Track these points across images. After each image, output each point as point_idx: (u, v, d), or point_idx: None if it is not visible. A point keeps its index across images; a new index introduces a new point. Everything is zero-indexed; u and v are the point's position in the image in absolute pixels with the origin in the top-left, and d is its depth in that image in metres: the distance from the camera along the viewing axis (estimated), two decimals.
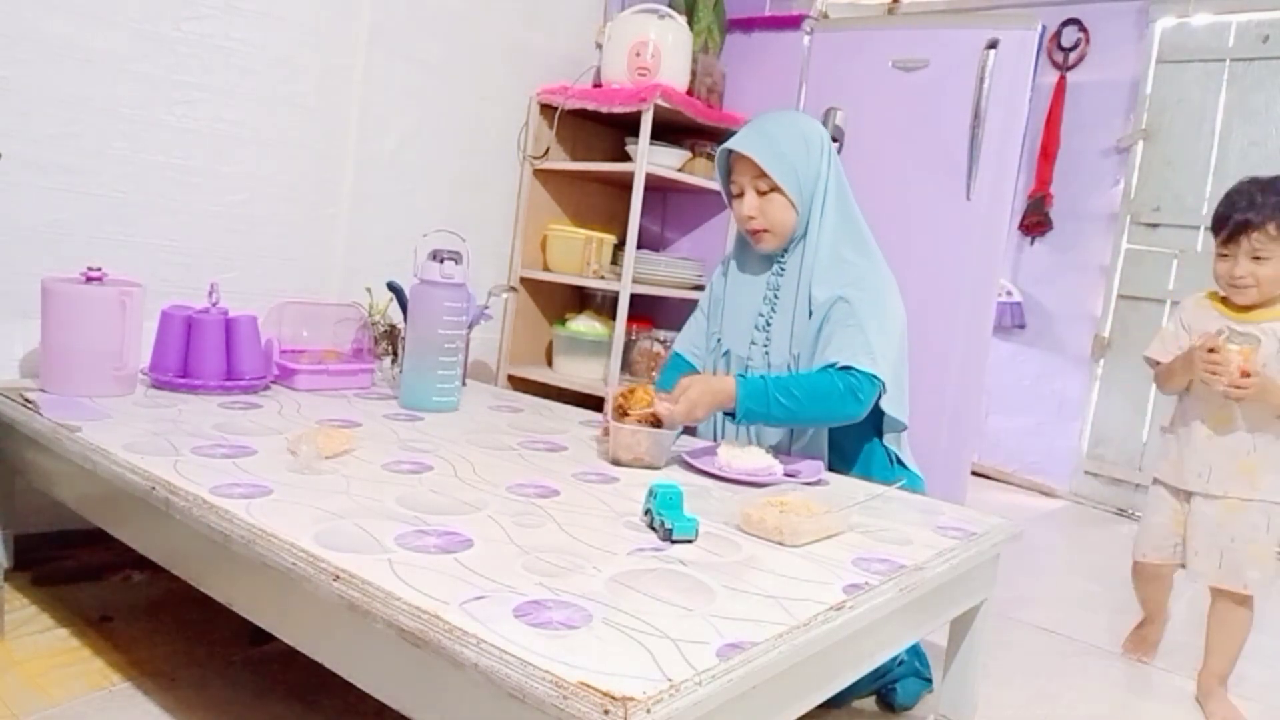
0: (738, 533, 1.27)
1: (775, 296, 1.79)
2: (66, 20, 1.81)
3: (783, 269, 1.79)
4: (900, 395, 1.69)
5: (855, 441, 1.77)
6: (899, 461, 1.78)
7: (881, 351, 1.62)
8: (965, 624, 1.50)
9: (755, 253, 1.83)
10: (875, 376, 1.60)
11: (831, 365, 1.61)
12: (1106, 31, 3.07)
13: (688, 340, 1.97)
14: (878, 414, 1.70)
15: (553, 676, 0.78)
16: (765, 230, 1.74)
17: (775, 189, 1.70)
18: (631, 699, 0.75)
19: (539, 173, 2.88)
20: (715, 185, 2.93)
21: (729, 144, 1.74)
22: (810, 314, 1.71)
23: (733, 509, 1.32)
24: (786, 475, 1.57)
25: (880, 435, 1.78)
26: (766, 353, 1.77)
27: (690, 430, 1.87)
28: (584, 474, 1.50)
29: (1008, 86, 2.55)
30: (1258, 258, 1.81)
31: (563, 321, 2.93)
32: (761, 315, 1.80)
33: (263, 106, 2.14)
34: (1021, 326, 3.90)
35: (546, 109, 2.84)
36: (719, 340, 1.87)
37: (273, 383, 1.95)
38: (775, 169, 1.69)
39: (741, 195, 1.75)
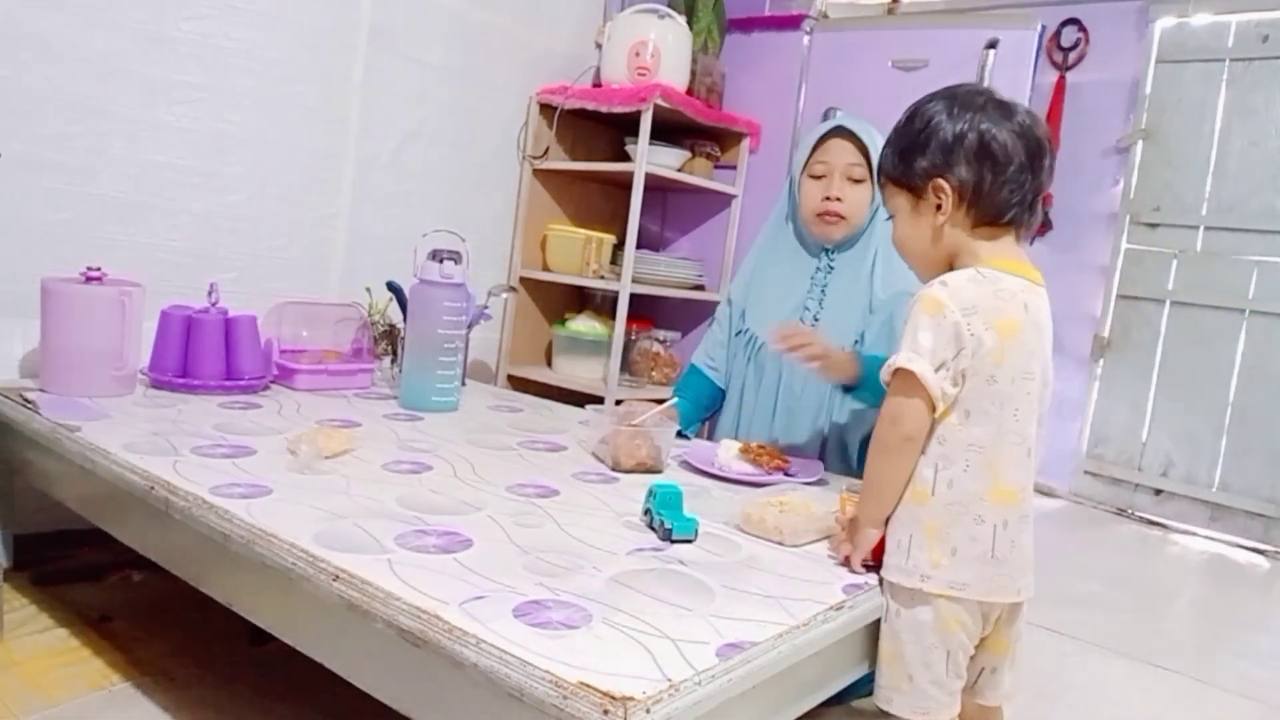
0: (738, 533, 1.27)
1: (823, 293, 1.77)
2: (66, 20, 1.81)
3: (833, 265, 1.77)
4: None
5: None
6: None
7: None
8: None
9: (795, 250, 1.81)
10: None
11: None
12: (1106, 31, 3.07)
13: (705, 354, 1.95)
14: None
15: (553, 676, 0.78)
16: (842, 217, 1.71)
17: (866, 180, 1.70)
18: (631, 699, 0.75)
19: (539, 172, 2.87)
20: (714, 185, 2.96)
21: (845, 123, 1.72)
22: (871, 310, 1.71)
23: (733, 509, 1.32)
24: (786, 475, 1.57)
25: None
26: None
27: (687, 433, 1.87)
28: (584, 474, 1.50)
29: (1007, 86, 2.53)
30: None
31: (562, 321, 2.93)
32: (808, 310, 1.77)
33: (263, 106, 2.14)
34: None
35: (546, 109, 2.83)
36: (751, 336, 1.83)
37: (272, 383, 1.95)
38: (876, 161, 1.68)
39: (823, 176, 1.72)
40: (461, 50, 2.59)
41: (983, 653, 1.17)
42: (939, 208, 1.15)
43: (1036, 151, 1.14)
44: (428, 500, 1.26)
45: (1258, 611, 1.90)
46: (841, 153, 1.71)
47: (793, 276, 1.81)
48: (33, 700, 1.38)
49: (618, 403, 2.49)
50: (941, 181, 1.14)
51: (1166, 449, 3.01)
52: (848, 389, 1.60)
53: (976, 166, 1.12)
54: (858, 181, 1.70)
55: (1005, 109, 1.14)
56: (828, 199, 1.71)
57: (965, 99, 1.14)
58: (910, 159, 1.16)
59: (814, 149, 1.74)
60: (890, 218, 1.25)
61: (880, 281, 1.72)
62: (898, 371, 1.10)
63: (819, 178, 1.73)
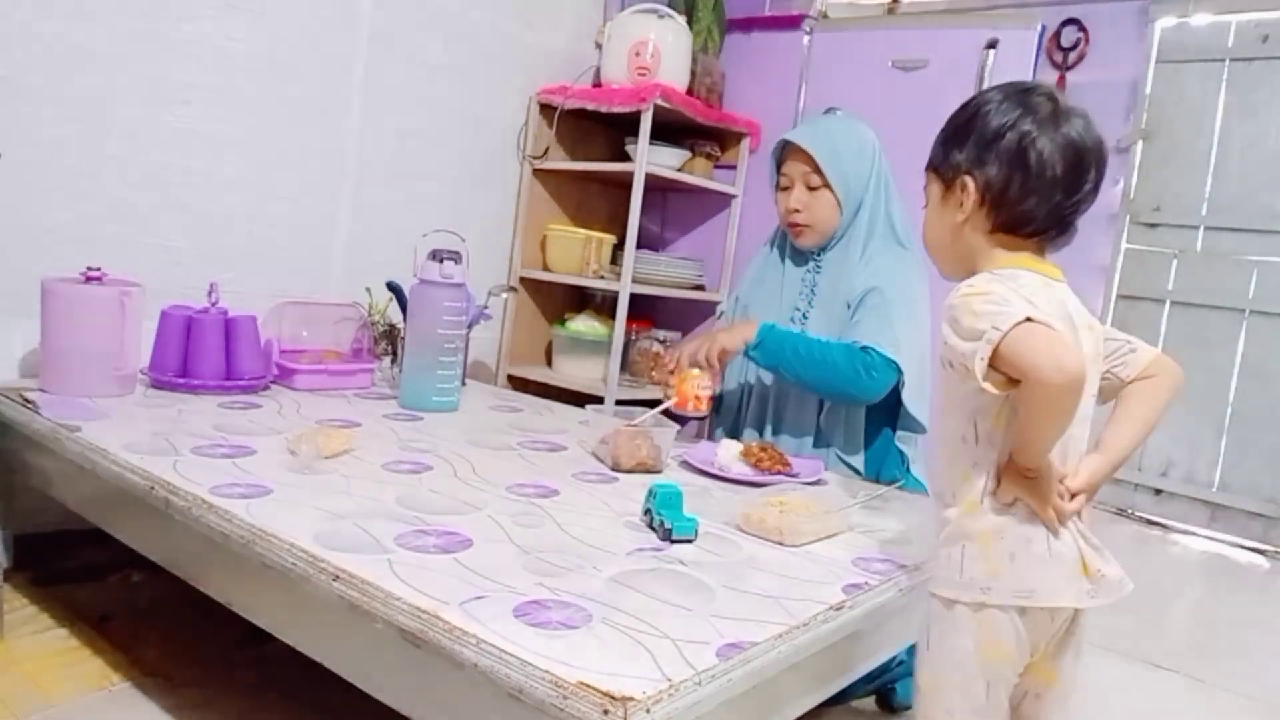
0: (738, 533, 1.27)
1: (812, 293, 1.83)
2: (66, 20, 1.81)
3: (819, 266, 1.83)
4: (922, 395, 1.70)
5: (870, 432, 1.78)
6: (909, 469, 1.78)
7: (906, 343, 1.66)
8: None
9: (789, 253, 1.88)
10: (893, 361, 1.64)
11: (853, 343, 1.66)
12: (1106, 31, 3.06)
13: None
14: (894, 408, 1.72)
15: (552, 676, 0.78)
16: (807, 226, 1.79)
17: (825, 186, 1.75)
18: (631, 699, 0.75)
19: (539, 172, 2.87)
20: (714, 185, 2.96)
21: (789, 135, 1.79)
22: (849, 307, 1.76)
23: (733, 509, 1.32)
24: (786, 475, 1.57)
25: (894, 429, 1.79)
26: None
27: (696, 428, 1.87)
28: (584, 474, 1.50)
29: None
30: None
31: (562, 321, 2.93)
32: (798, 309, 1.84)
33: (263, 106, 2.14)
34: None
35: (546, 109, 2.83)
36: None
37: (272, 383, 1.95)
38: (829, 167, 1.74)
39: (789, 188, 1.79)
40: (461, 50, 2.59)
41: (1026, 677, 1.07)
42: (961, 205, 1.08)
43: (1077, 166, 1.03)
44: (428, 500, 1.26)
45: (1258, 611, 1.90)
46: (797, 164, 1.77)
47: (787, 277, 1.89)
48: (33, 700, 1.38)
49: (618, 403, 2.50)
50: (967, 179, 1.06)
51: (1166, 449, 3.01)
52: (750, 357, 1.70)
53: (1006, 170, 1.04)
54: (815, 189, 1.76)
55: (1059, 116, 1.04)
56: (790, 210, 1.79)
57: (1020, 97, 1.06)
58: (948, 149, 1.10)
59: (778, 164, 1.83)
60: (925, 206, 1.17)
61: (861, 280, 1.75)
62: (1016, 329, 0.92)
63: (785, 189, 1.81)
